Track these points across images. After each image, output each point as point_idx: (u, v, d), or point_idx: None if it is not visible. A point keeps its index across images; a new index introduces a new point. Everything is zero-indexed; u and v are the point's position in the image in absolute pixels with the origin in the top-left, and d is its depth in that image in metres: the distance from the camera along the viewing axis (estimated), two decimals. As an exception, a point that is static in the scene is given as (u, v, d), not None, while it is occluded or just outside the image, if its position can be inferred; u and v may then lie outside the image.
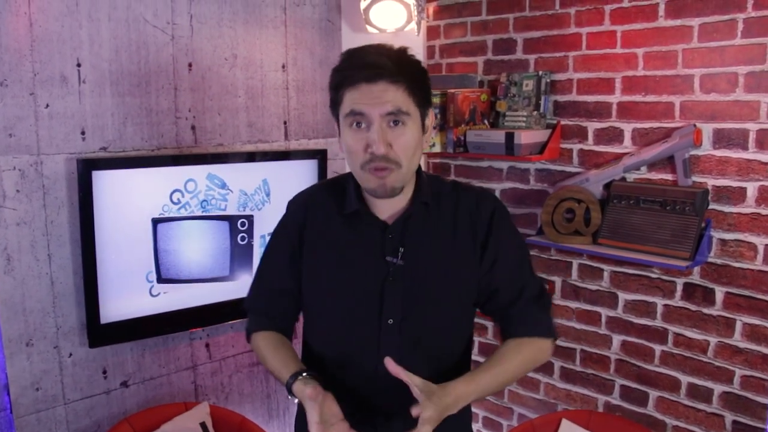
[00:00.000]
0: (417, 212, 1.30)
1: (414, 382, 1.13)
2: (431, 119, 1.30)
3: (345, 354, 1.32)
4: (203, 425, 2.17)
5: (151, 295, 2.14)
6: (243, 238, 2.31)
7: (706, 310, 2.03)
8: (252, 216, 2.32)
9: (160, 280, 2.14)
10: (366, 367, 1.29)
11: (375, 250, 1.29)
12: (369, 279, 1.28)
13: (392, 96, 1.18)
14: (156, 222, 2.10)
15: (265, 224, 2.33)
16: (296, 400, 1.28)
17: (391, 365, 1.14)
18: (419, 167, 1.33)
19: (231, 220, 2.28)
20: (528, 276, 1.35)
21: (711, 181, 1.97)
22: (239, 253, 2.31)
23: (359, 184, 1.29)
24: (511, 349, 1.30)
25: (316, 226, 1.35)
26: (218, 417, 2.24)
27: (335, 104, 1.25)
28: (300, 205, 1.39)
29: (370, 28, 2.45)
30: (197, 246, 2.22)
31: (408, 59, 1.23)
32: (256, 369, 2.58)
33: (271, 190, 2.36)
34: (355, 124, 1.21)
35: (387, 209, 1.31)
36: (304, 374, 1.24)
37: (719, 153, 1.94)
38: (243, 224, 2.31)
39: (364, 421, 1.28)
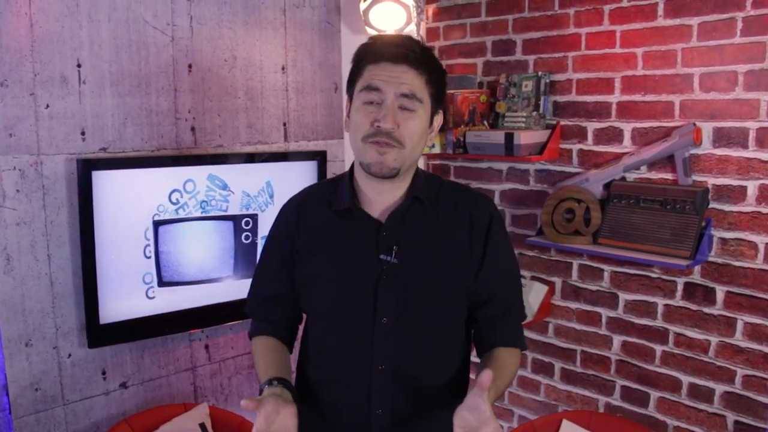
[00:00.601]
0: (413, 209, 1.29)
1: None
2: (439, 120, 1.32)
3: (341, 352, 1.31)
4: (203, 426, 2.16)
5: (149, 297, 2.13)
6: (247, 237, 2.31)
7: (706, 310, 2.02)
8: (256, 215, 2.32)
9: (161, 283, 2.14)
10: (361, 366, 1.28)
11: (369, 249, 1.28)
12: (364, 278, 1.27)
13: (411, 79, 1.21)
14: (158, 224, 2.10)
15: (269, 225, 2.33)
16: None
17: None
18: (417, 167, 1.33)
19: (235, 219, 2.28)
20: (518, 292, 1.38)
21: (711, 180, 1.97)
22: (243, 252, 2.31)
23: (356, 166, 1.30)
24: (507, 358, 1.31)
25: (309, 228, 1.35)
26: (218, 418, 2.23)
27: (353, 78, 1.27)
28: (292, 210, 1.39)
29: (369, 30, 2.45)
30: (201, 247, 2.21)
31: (432, 55, 1.27)
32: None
33: (274, 192, 2.36)
34: (368, 101, 1.22)
35: (380, 205, 1.30)
36: (275, 382, 1.23)
37: (719, 152, 1.94)
38: (247, 223, 2.31)
39: (360, 418, 1.28)
